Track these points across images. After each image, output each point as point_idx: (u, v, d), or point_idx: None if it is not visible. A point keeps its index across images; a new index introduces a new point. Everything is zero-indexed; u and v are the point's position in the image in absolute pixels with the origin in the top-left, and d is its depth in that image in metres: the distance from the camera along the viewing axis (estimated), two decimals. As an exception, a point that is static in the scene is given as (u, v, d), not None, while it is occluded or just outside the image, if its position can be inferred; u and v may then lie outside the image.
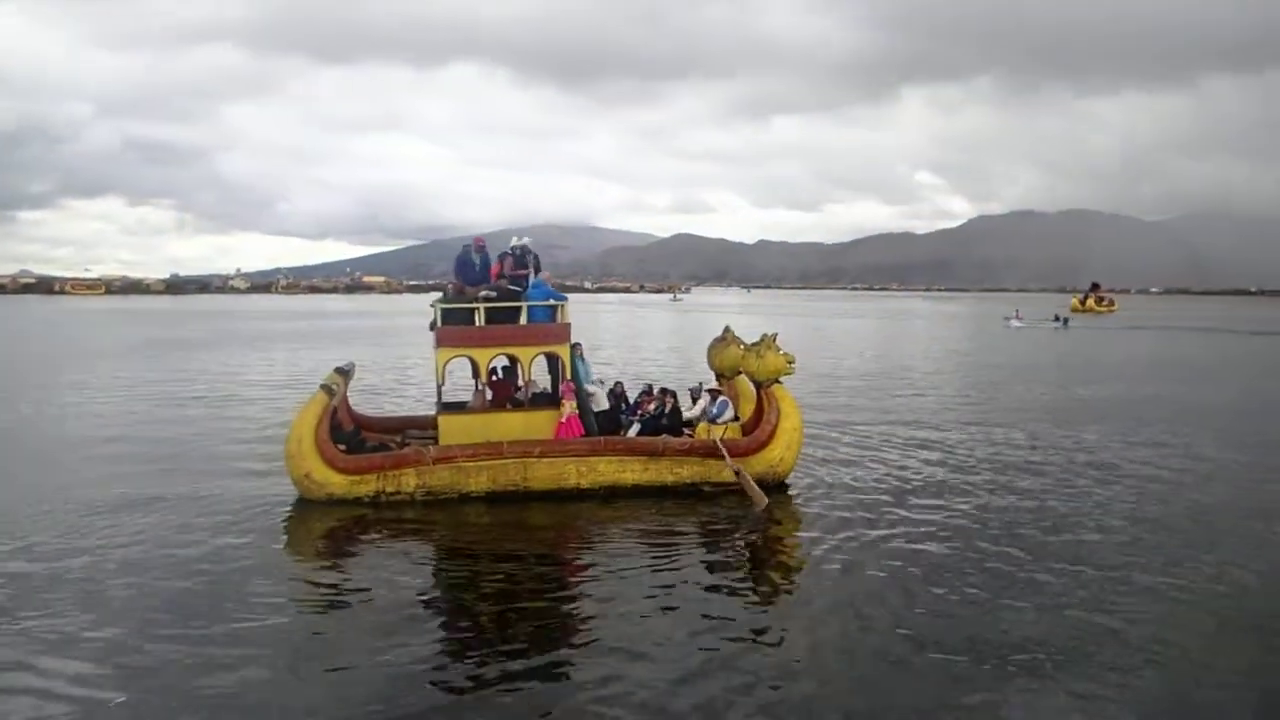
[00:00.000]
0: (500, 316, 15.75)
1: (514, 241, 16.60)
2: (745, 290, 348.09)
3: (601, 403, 16.27)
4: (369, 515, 14.21)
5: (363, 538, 13.24)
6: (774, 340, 16.05)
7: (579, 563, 12.05)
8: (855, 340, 61.37)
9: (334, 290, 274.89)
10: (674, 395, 16.70)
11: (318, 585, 11.35)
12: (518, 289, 15.97)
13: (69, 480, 16.45)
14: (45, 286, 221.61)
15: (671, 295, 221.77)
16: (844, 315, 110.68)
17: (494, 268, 16.29)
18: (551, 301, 15.84)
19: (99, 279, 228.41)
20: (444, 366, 15.75)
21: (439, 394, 16.23)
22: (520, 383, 16.32)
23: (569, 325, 15.89)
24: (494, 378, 16.34)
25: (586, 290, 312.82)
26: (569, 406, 15.62)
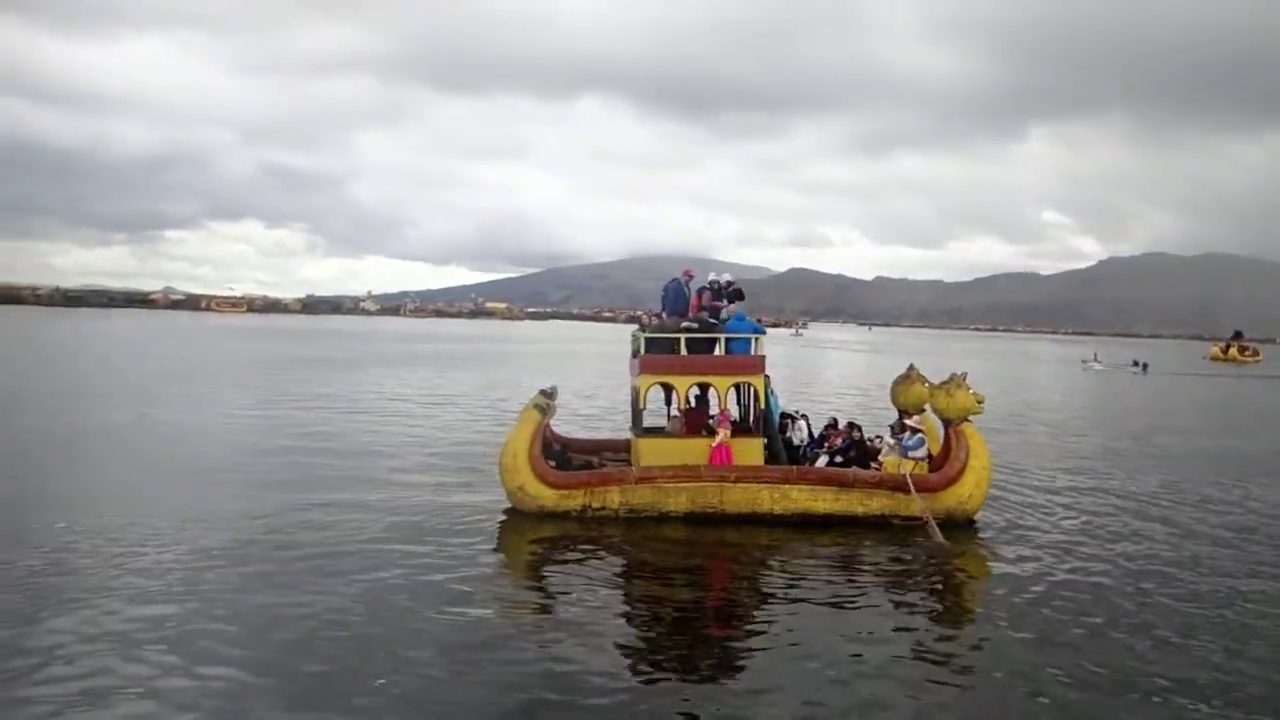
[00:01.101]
0: (698, 347, 16.68)
1: (712, 276, 17.55)
2: (866, 328, 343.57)
3: (802, 434, 17.04)
4: (575, 528, 15.23)
5: (569, 548, 14.21)
6: (963, 379, 16.54)
7: (768, 586, 12.55)
8: (980, 382, 60.57)
9: (458, 315, 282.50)
10: (860, 429, 17.31)
11: (525, 589, 12.46)
12: (715, 321, 16.87)
13: (283, 484, 17.99)
14: (193, 304, 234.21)
15: (792, 330, 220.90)
16: (970, 355, 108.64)
17: (694, 300, 17.26)
18: (750, 334, 16.68)
19: (242, 297, 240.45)
20: (645, 392, 16.73)
21: (638, 418, 17.20)
22: (715, 410, 17.15)
23: (764, 357, 16.70)
24: (689, 405, 17.22)
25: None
26: (723, 434, 16.40)
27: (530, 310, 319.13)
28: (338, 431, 25.56)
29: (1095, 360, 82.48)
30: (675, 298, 17.43)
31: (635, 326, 17.71)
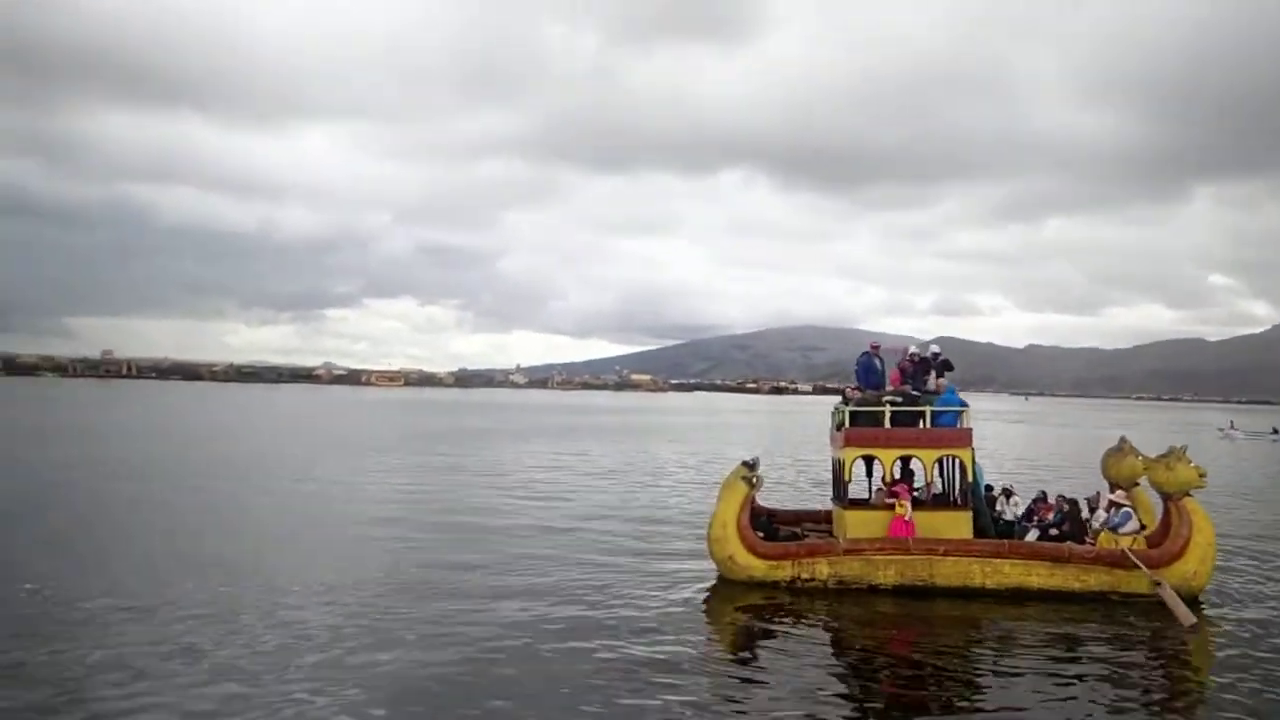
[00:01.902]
0: (903, 419, 16.85)
1: (911, 349, 17.79)
2: (1022, 397, 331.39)
3: (1015, 509, 16.96)
4: (784, 598, 15.48)
5: (778, 619, 14.43)
6: (1184, 452, 16.15)
7: (983, 662, 12.35)
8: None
9: (604, 387, 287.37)
10: (1074, 503, 17.05)
11: (736, 658, 12.70)
12: (918, 394, 17.04)
13: (486, 551, 18.87)
14: (354, 378, 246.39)
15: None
16: (1128, 425, 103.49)
17: (894, 374, 17.50)
18: (957, 408, 16.77)
19: (399, 371, 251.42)
20: (850, 464, 16.96)
21: (842, 489, 17.41)
22: (922, 483, 17.22)
23: (970, 430, 16.72)
24: (894, 477, 17.33)
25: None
26: (904, 507, 16.39)
27: (674, 382, 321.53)
28: (529, 501, 26.53)
29: (1232, 428, 78.16)
30: (867, 371, 17.68)
31: (838, 399, 18.04)
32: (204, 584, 15.24)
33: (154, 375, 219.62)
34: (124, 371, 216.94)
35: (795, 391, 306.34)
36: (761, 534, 16.61)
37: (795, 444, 52.56)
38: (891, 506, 16.58)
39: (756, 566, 16.05)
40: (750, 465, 17.75)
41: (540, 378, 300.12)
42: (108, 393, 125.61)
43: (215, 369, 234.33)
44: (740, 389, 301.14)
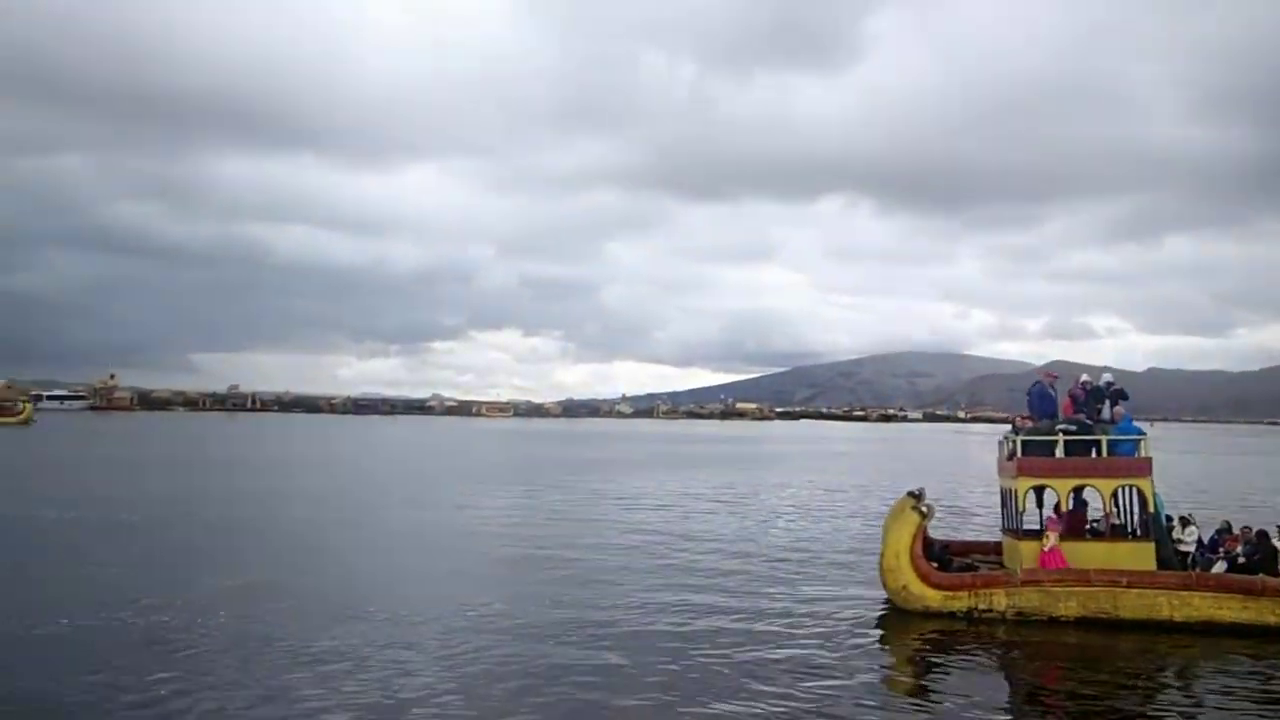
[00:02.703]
0: (1077, 449, 16.63)
1: (1084, 378, 17.56)
2: (1148, 424, 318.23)
3: (1192, 540, 16.61)
4: (961, 629, 15.39)
5: (956, 650, 14.34)
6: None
7: (1169, 701, 12.01)
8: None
9: (710, 416, 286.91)
10: (1263, 534, 16.54)
11: (915, 690, 12.69)
12: (1091, 423, 16.81)
13: (647, 579, 19.20)
14: (465, 409, 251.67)
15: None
16: (1275, 453, 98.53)
17: (1065, 403, 17.30)
18: (1136, 437, 16.48)
19: (508, 403, 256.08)
20: (1024, 494, 16.80)
21: (1015, 520, 17.23)
22: (1101, 514, 16.93)
23: (1150, 460, 16.40)
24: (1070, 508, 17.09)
25: (960, 420, 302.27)
26: (1052, 538, 16.10)
27: (779, 410, 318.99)
28: (666, 535, 26.73)
29: None
30: (1041, 400, 17.53)
31: (1008, 429, 17.90)
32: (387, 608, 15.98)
33: (276, 408, 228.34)
34: (249, 405, 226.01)
35: (904, 419, 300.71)
36: (935, 564, 16.58)
37: (921, 473, 51.77)
38: (1073, 537, 16.38)
39: (931, 597, 16.01)
40: (917, 495, 17.72)
41: (645, 407, 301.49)
42: (242, 427, 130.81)
43: (334, 401, 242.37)
44: (848, 416, 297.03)
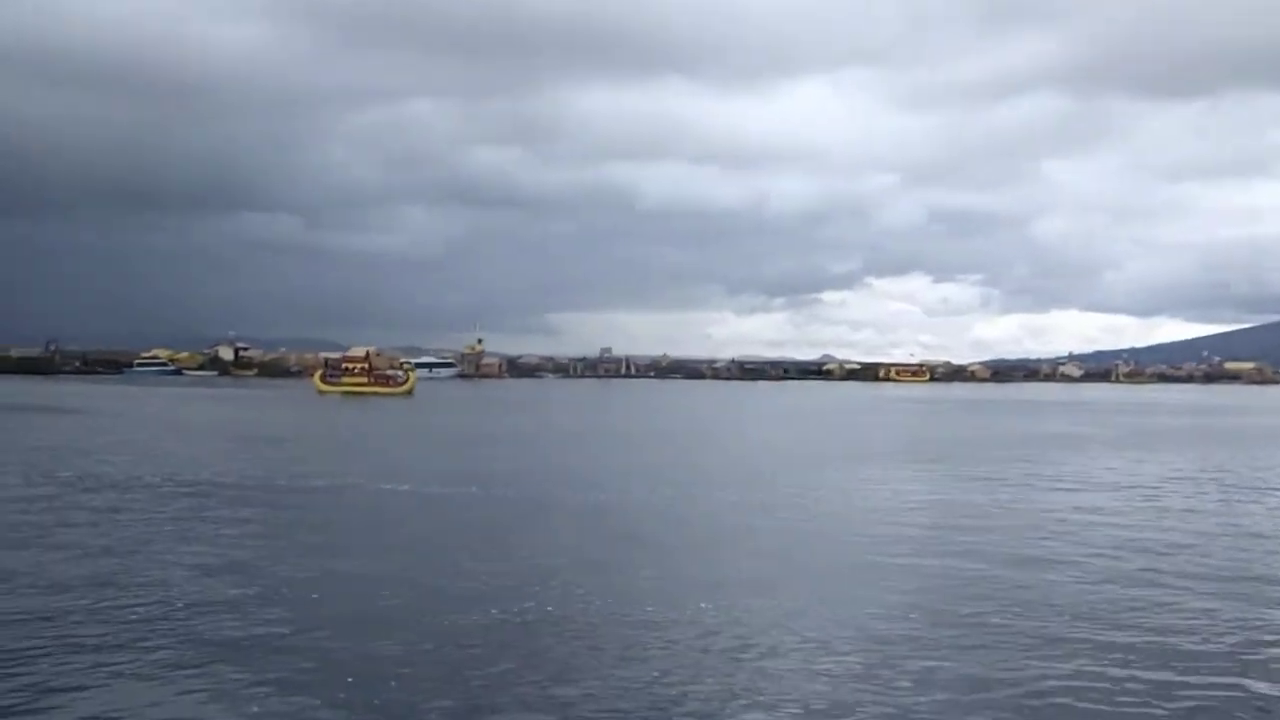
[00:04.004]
0: None
1: None
2: None
3: None
4: None
5: None
6: None
7: None
8: None
9: (1186, 379, 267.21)
10: None
11: None
12: None
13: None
14: (870, 373, 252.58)
15: None
16: None
17: None
18: None
19: (922, 365, 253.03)
20: None
21: None
22: None
23: None
24: None
25: None
26: None
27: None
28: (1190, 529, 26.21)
29: None
30: None
31: None
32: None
33: (653, 374, 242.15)
34: (623, 370, 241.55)
35: None
36: None
37: None
38: None
39: None
40: None
41: (1097, 369, 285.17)
42: (620, 393, 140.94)
43: (716, 366, 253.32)
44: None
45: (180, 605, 16.29)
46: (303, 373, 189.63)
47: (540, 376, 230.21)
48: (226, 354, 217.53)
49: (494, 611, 16.14)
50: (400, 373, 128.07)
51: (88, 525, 24.04)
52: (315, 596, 17.25)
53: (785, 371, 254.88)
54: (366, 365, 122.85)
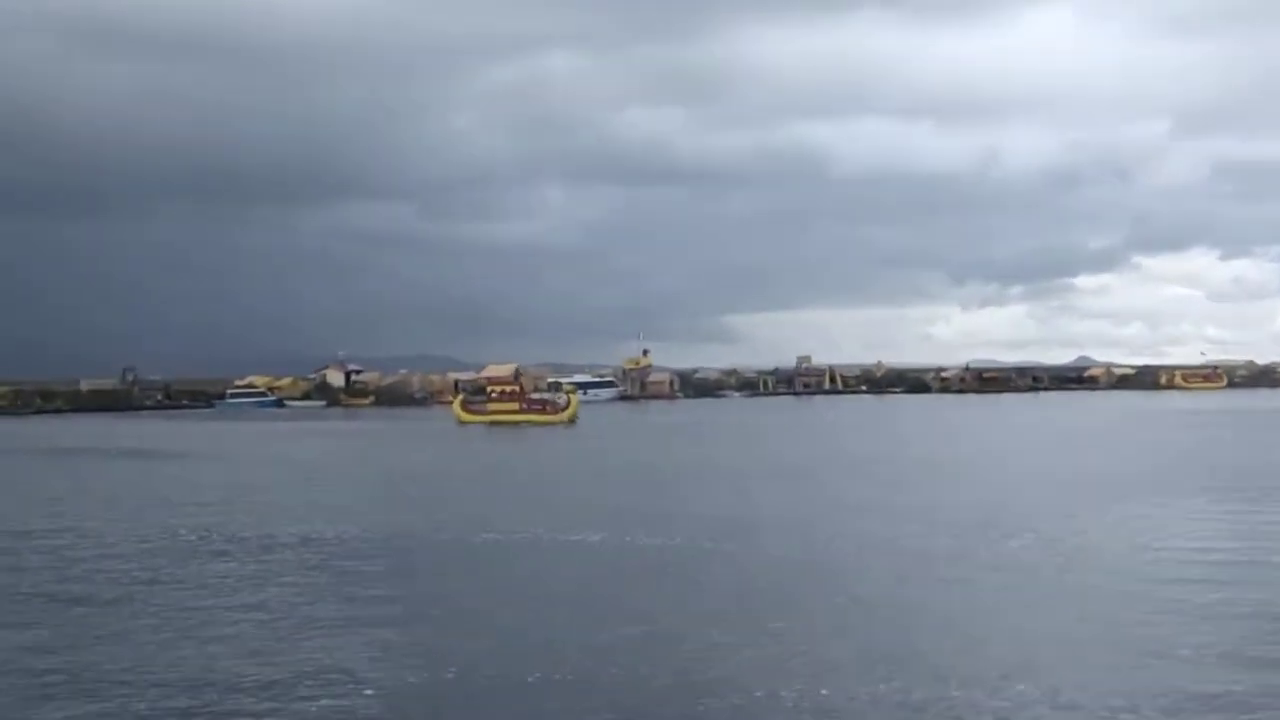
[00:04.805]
0: None
1: None
2: None
3: None
4: None
5: None
6: None
7: None
8: None
9: None
10: None
11: None
12: None
13: None
14: (1148, 379, 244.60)
15: None
16: None
17: None
18: None
19: (1216, 367, 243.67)
20: None
21: None
22: None
23: None
24: None
25: None
26: None
27: None
28: None
29: None
30: None
31: None
32: None
33: (864, 389, 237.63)
34: (826, 385, 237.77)
35: None
36: None
37: None
38: None
39: None
40: None
41: None
42: (844, 413, 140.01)
43: (946, 375, 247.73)
44: None
45: (369, 694, 16.65)
46: (428, 399, 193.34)
47: (723, 395, 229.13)
48: (336, 378, 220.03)
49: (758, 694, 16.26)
50: (561, 395, 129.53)
51: (229, 593, 24.99)
52: (531, 682, 17.39)
53: (1035, 380, 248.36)
54: (517, 388, 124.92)
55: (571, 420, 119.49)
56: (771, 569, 27.83)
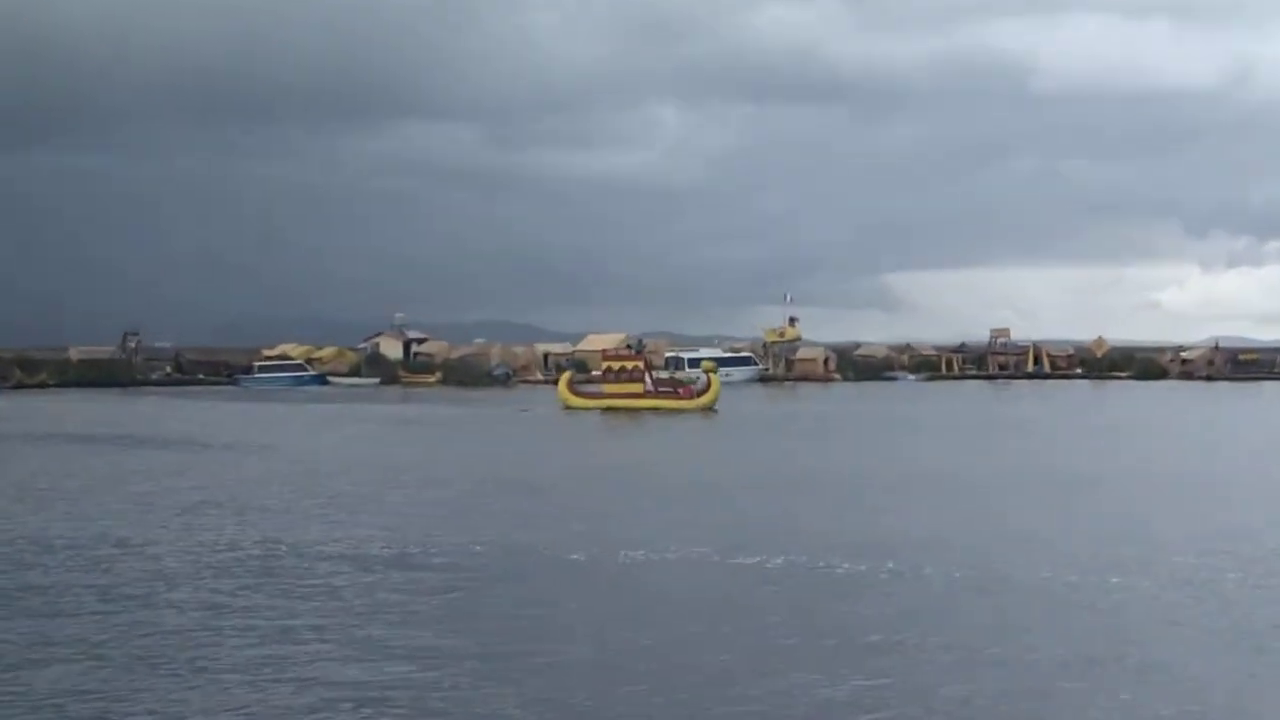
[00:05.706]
0: None
1: None
2: None
3: None
4: None
5: None
6: None
7: None
8: None
9: None
10: None
11: None
12: None
13: None
14: None
15: None
16: None
17: None
18: None
19: None
20: None
21: None
22: None
23: None
24: None
25: None
26: None
27: None
28: None
29: None
30: None
31: None
32: None
33: (1080, 372, 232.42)
34: (1029, 366, 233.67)
35: None
36: None
37: None
38: None
39: None
40: None
41: None
42: (1057, 403, 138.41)
43: (1190, 357, 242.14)
44: None
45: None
46: (509, 378, 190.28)
47: (893, 378, 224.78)
48: (392, 349, 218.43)
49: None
50: (699, 375, 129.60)
51: (336, 625, 25.41)
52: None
53: (1272, 368, 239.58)
54: (641, 365, 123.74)
55: (711, 405, 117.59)
56: (1081, 613, 27.39)
